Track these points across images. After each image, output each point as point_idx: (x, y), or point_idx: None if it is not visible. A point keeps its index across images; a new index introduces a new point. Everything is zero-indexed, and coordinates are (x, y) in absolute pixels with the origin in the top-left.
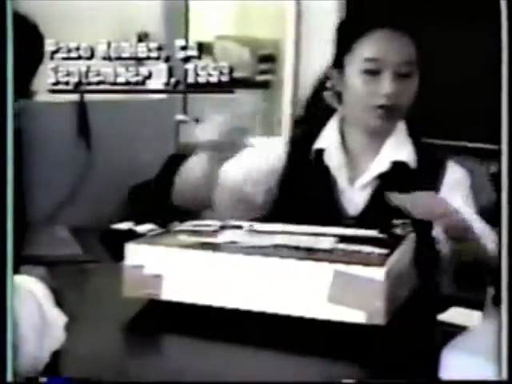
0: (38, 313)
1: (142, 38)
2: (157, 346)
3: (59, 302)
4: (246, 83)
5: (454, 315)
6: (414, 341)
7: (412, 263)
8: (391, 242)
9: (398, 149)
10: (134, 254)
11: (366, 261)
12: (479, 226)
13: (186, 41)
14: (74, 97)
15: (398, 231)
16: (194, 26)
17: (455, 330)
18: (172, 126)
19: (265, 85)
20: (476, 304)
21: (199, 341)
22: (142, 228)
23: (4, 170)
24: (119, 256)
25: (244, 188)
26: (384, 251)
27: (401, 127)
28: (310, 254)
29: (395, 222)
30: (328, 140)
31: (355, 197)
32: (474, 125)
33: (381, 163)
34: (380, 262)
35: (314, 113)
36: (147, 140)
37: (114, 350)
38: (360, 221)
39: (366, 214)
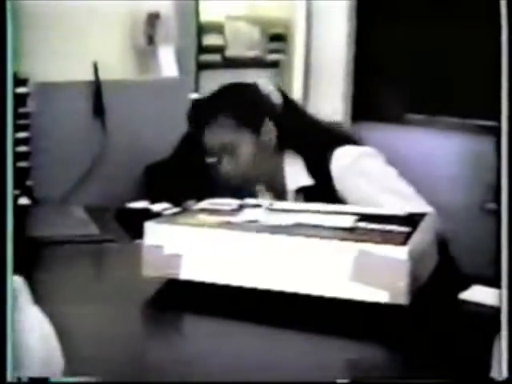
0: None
1: (153, 18)
2: (176, 326)
3: None
4: (257, 62)
5: (475, 293)
6: (436, 320)
7: (434, 241)
8: (411, 220)
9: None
10: (154, 233)
11: (389, 239)
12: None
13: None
14: (89, 77)
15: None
16: (204, 6)
17: (477, 309)
18: (185, 104)
19: (275, 64)
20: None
21: (219, 320)
22: (157, 207)
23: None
24: (135, 234)
25: None
26: (406, 229)
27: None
28: (332, 232)
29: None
30: None
31: None
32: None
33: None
34: (402, 240)
35: None
36: (161, 119)
37: (132, 329)
38: None
39: None
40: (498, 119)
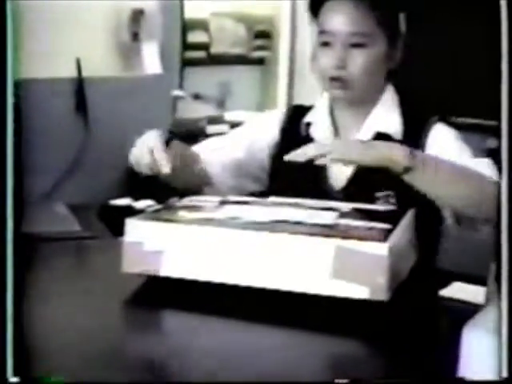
0: None
1: (137, 15)
2: (156, 323)
3: None
4: (242, 59)
5: (455, 290)
6: (416, 316)
7: (414, 238)
8: (392, 217)
9: (383, 119)
10: (134, 229)
11: (369, 236)
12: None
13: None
14: (72, 73)
15: (381, 203)
16: (189, 3)
17: (457, 305)
18: (169, 101)
19: (260, 61)
20: (477, 279)
21: (199, 317)
22: (140, 204)
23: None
24: (118, 232)
25: (245, 163)
26: (386, 226)
27: (389, 97)
28: (312, 229)
29: (378, 194)
30: (317, 113)
31: (340, 170)
32: (472, 100)
33: (364, 135)
34: (382, 237)
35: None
36: (145, 116)
37: (114, 326)
38: (345, 195)
39: (350, 187)
40: (499, 119)
